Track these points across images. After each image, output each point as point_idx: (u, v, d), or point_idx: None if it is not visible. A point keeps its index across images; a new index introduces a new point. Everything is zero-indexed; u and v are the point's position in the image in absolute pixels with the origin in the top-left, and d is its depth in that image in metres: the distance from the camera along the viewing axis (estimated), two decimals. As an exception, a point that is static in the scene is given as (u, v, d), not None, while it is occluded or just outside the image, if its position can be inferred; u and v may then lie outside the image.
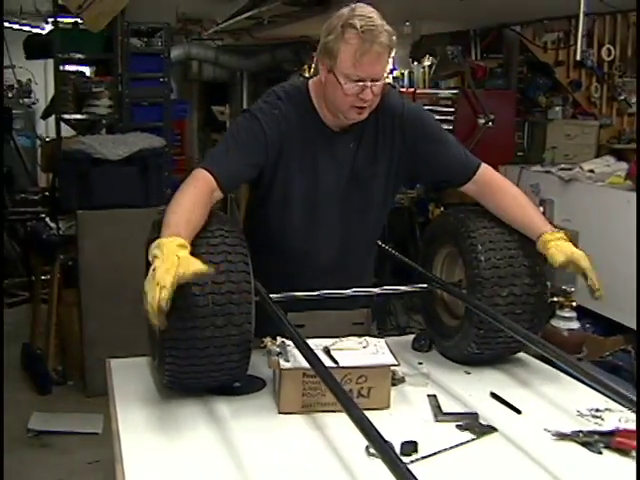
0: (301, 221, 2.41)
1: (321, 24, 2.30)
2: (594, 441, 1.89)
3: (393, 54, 2.27)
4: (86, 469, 3.93)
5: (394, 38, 2.22)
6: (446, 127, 6.11)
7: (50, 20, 6.62)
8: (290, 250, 2.45)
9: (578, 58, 4.81)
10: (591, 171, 4.53)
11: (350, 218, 2.44)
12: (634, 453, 1.83)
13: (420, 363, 2.42)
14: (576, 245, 2.26)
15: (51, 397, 4.79)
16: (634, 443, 1.84)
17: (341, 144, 2.37)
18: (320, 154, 2.36)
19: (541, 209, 4.71)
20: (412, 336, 2.61)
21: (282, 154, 2.32)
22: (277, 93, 2.35)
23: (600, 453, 1.86)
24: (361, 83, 2.19)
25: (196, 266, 1.83)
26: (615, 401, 1.98)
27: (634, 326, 3.94)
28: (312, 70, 2.19)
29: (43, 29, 8.46)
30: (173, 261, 1.82)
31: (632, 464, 1.80)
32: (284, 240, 2.44)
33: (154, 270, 1.82)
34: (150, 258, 1.88)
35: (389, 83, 2.38)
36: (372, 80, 2.19)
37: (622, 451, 1.85)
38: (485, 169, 2.43)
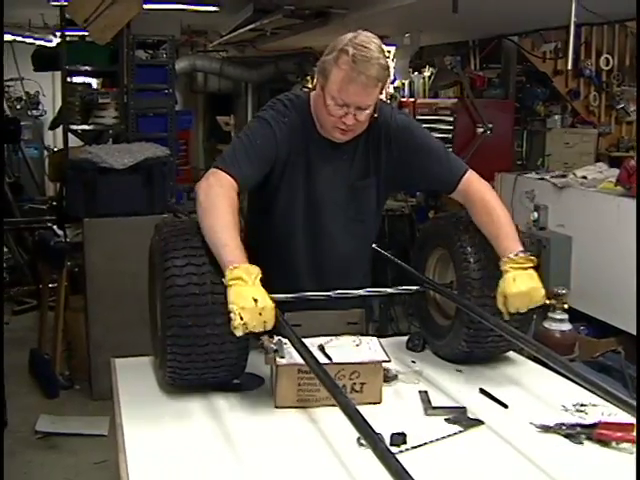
0: (302, 229, 2.50)
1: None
2: (576, 433, 1.97)
3: (389, 84, 2.34)
4: (93, 469, 4.00)
5: (387, 72, 2.28)
6: (445, 136, 6.25)
7: (58, 33, 6.72)
8: (290, 257, 2.53)
9: (569, 67, 4.88)
10: (584, 177, 4.61)
11: (348, 226, 2.53)
12: (614, 444, 1.91)
13: (413, 362, 2.50)
14: (539, 271, 2.28)
15: (58, 400, 4.86)
16: (615, 434, 1.93)
17: (335, 156, 2.46)
18: (318, 164, 2.45)
19: (535, 214, 4.79)
20: (407, 337, 2.70)
21: (288, 162, 2.41)
22: (283, 101, 2.44)
23: (581, 444, 1.93)
24: (345, 108, 2.27)
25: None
26: (599, 396, 2.04)
27: (626, 328, 4.00)
28: (314, 81, 2.30)
29: (51, 42, 8.56)
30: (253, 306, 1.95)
31: (611, 454, 1.89)
32: (285, 247, 2.53)
33: (256, 302, 1.95)
34: (230, 279, 1.98)
35: (382, 100, 2.44)
36: (357, 108, 2.27)
37: (602, 442, 1.93)
38: (468, 179, 2.48)
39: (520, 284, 2.21)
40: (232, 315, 1.94)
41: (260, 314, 1.95)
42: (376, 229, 2.71)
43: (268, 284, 2.16)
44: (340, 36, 2.31)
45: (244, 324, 1.93)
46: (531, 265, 2.26)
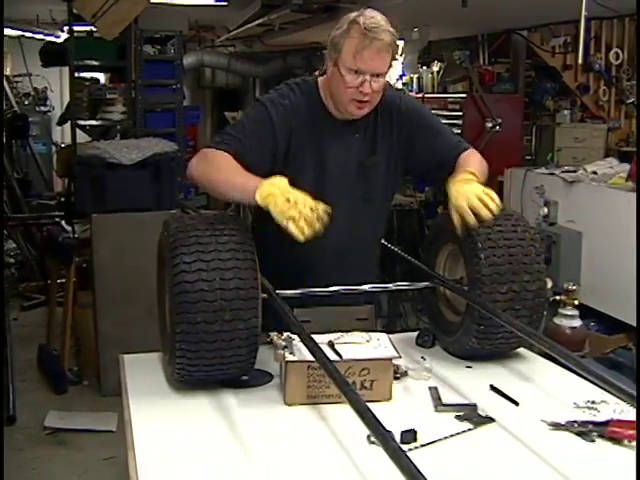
0: None
1: (330, 31, 2.40)
2: (588, 430, 1.95)
3: (398, 58, 2.37)
4: (101, 465, 4.02)
5: (397, 40, 2.36)
6: (454, 131, 6.19)
7: (65, 28, 6.73)
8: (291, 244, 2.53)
9: (580, 62, 4.85)
10: (594, 172, 4.59)
11: (355, 205, 2.54)
12: (626, 442, 1.90)
13: (423, 358, 2.48)
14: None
15: (67, 396, 4.88)
16: (627, 432, 1.91)
17: (347, 134, 2.50)
18: (328, 143, 2.48)
19: (545, 210, 4.77)
20: (416, 333, 2.69)
21: (292, 141, 2.44)
22: (289, 85, 2.49)
23: (593, 442, 1.92)
24: (361, 76, 2.31)
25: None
26: (610, 393, 2.03)
27: (636, 324, 3.98)
28: (324, 66, 2.39)
29: (59, 37, 8.58)
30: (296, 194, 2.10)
31: (623, 452, 1.87)
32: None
33: (289, 201, 2.07)
34: (263, 199, 2.10)
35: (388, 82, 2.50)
36: (372, 75, 2.32)
37: (615, 440, 1.91)
38: (467, 152, 2.58)
39: (459, 188, 2.36)
40: (290, 230, 2.05)
41: (306, 208, 2.06)
42: (386, 213, 2.73)
43: (276, 277, 2.23)
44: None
45: (301, 228, 2.04)
46: (473, 179, 2.38)
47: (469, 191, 2.34)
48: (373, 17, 2.31)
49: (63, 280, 5.31)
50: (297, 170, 2.44)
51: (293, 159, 2.45)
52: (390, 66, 2.38)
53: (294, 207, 2.06)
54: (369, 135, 2.52)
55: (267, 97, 2.48)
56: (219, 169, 2.29)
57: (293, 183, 2.20)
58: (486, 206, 2.30)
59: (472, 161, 2.53)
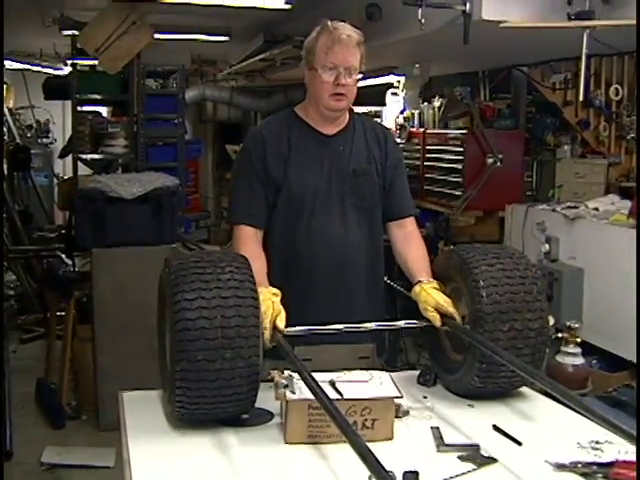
0: (304, 218, 2.61)
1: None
2: (592, 472, 1.93)
3: (364, 64, 2.59)
4: (98, 502, 3.98)
5: (363, 41, 2.57)
6: (455, 166, 6.24)
7: (69, 62, 6.77)
8: (296, 252, 2.62)
9: (581, 99, 4.89)
10: (596, 209, 4.59)
11: (347, 212, 2.64)
12: (632, 485, 1.88)
13: (425, 397, 2.46)
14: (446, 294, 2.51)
15: (65, 431, 4.83)
16: (631, 474, 1.89)
17: (333, 146, 2.65)
18: (315, 155, 2.63)
19: (546, 246, 4.76)
20: (418, 371, 2.67)
21: (279, 164, 2.60)
22: (256, 126, 2.70)
23: (598, 484, 1.90)
24: (335, 71, 2.51)
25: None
26: (614, 433, 2.02)
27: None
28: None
29: (62, 70, 8.64)
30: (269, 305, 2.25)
31: (629, 494, 1.85)
32: (290, 243, 2.63)
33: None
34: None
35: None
36: (345, 69, 2.51)
37: (620, 482, 1.89)
38: (413, 221, 2.79)
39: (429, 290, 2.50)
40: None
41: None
42: (377, 234, 2.77)
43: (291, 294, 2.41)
44: None
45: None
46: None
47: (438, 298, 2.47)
48: (340, 22, 2.56)
49: (63, 313, 5.28)
50: (288, 184, 2.60)
51: (291, 172, 2.61)
52: (361, 63, 2.56)
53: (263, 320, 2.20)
54: (358, 146, 2.67)
55: (244, 145, 2.74)
56: None
57: (287, 198, 2.57)
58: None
59: (423, 256, 2.69)
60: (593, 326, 4.31)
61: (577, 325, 3.63)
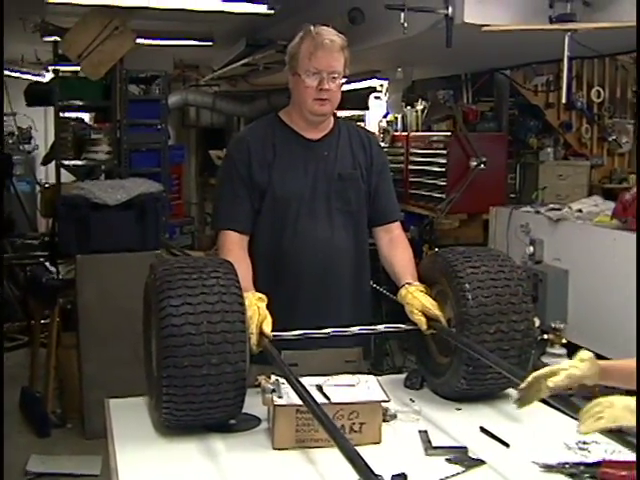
0: (289, 223, 2.60)
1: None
2: (580, 472, 1.94)
3: (349, 68, 2.59)
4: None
5: (347, 46, 2.56)
6: (439, 170, 6.25)
7: (51, 68, 6.74)
8: (282, 257, 2.61)
9: (564, 101, 4.92)
10: (579, 211, 4.61)
11: (333, 217, 2.64)
12: (619, 484, 1.89)
13: (412, 400, 2.47)
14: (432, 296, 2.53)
15: (50, 440, 4.79)
16: (619, 473, 1.90)
17: (317, 151, 2.65)
18: (300, 160, 2.62)
19: (531, 248, 4.78)
20: (404, 375, 2.68)
21: (264, 169, 2.59)
22: (240, 132, 2.66)
23: (585, 484, 1.91)
24: (319, 76, 2.51)
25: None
26: (600, 433, 2.02)
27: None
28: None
29: (44, 77, 8.59)
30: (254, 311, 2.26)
31: (616, 494, 1.86)
32: (276, 247, 2.61)
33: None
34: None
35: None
36: (329, 74, 2.51)
37: (606, 481, 1.90)
38: (399, 225, 2.80)
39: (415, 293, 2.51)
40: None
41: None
42: (362, 236, 2.77)
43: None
44: None
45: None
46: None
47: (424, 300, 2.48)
48: (323, 27, 2.56)
49: (47, 321, 5.25)
50: (272, 188, 2.59)
51: (276, 177, 2.60)
52: (344, 67, 2.55)
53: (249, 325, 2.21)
54: (343, 151, 2.66)
55: (228, 152, 2.73)
56: None
57: (272, 202, 2.57)
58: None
59: (409, 259, 2.70)
60: (578, 327, 4.33)
61: (562, 326, 3.64)
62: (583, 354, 1.96)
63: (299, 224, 2.59)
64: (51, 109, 6.11)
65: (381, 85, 7.46)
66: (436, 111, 6.72)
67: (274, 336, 2.26)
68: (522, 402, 1.96)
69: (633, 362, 1.96)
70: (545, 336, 3.86)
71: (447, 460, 2.03)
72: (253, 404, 2.19)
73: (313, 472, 1.96)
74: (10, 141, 10.10)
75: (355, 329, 2.49)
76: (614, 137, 6.19)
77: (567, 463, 1.98)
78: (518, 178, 6.61)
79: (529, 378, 1.92)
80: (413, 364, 2.71)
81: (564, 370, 1.92)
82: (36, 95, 6.68)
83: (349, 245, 2.67)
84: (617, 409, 1.73)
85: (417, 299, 2.46)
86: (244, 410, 2.18)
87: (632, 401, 1.74)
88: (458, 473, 1.96)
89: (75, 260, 4.80)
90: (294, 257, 2.58)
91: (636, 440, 1.75)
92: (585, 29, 3.74)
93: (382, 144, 6.64)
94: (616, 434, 1.74)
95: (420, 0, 3.99)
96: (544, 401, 2.31)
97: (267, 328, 2.25)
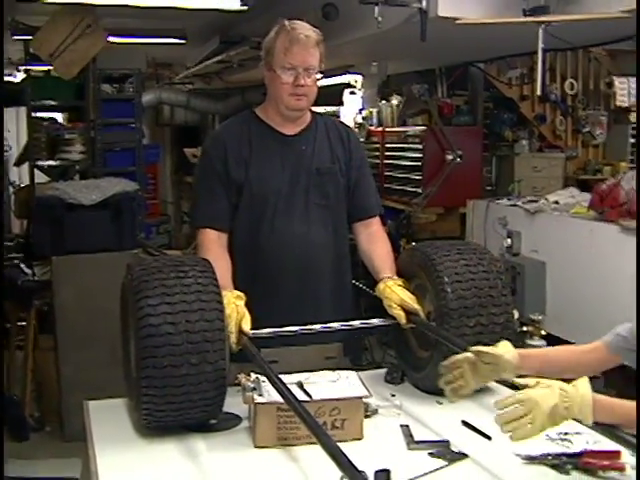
0: (266, 219, 2.59)
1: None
2: (562, 463, 1.95)
3: (324, 62, 2.58)
4: (65, 514, 3.91)
5: (322, 40, 2.56)
6: (415, 164, 6.24)
7: (22, 68, 6.68)
8: (259, 254, 2.59)
9: (539, 93, 4.95)
10: (556, 202, 4.63)
11: (310, 212, 2.62)
12: (601, 472, 1.89)
13: (393, 395, 2.47)
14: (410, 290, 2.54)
15: (28, 444, 4.74)
16: (601, 463, 1.91)
17: (295, 146, 2.63)
18: (276, 156, 2.61)
19: (508, 241, 4.80)
20: (385, 370, 2.67)
21: (240, 165, 2.58)
22: (216, 129, 2.63)
23: (568, 474, 1.91)
24: (294, 71, 2.50)
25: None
26: (581, 424, 2.03)
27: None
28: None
29: (15, 77, 8.51)
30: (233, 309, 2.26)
31: (598, 483, 1.86)
32: (254, 244, 2.60)
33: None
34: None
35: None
36: (304, 69, 2.51)
37: (589, 471, 1.91)
38: (379, 221, 2.79)
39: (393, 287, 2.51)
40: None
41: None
42: (342, 231, 2.75)
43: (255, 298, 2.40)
44: None
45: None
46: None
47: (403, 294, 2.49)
48: (298, 22, 2.56)
49: (23, 323, 5.20)
50: (249, 184, 2.58)
51: (253, 173, 2.58)
52: (320, 62, 2.55)
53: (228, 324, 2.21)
54: (321, 146, 2.66)
55: (204, 148, 2.73)
56: None
57: (250, 198, 2.56)
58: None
59: (388, 254, 2.69)
60: (557, 318, 4.35)
61: (541, 318, 3.66)
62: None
63: (276, 220, 2.57)
64: (23, 109, 6.05)
65: (356, 80, 7.46)
66: (411, 105, 6.73)
67: (253, 334, 2.25)
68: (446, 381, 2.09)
69: (549, 350, 2.14)
70: (524, 328, 3.88)
71: (430, 454, 2.03)
72: (233, 403, 2.18)
73: (295, 470, 1.95)
74: (-19, 143, 10.00)
75: (335, 325, 2.48)
76: (588, 129, 6.24)
77: (549, 454, 1.99)
78: (494, 171, 6.64)
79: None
80: (392, 358, 2.71)
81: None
82: (7, 95, 6.61)
83: (327, 240, 2.65)
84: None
85: (395, 293, 2.46)
86: (224, 409, 2.17)
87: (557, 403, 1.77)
88: (441, 467, 1.96)
89: (51, 261, 4.75)
90: (271, 254, 2.57)
91: (636, 440, 1.76)
92: (558, 21, 3.76)
93: (358, 139, 6.63)
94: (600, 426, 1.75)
95: (394, -6, 3.99)
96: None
97: (246, 326, 2.24)
